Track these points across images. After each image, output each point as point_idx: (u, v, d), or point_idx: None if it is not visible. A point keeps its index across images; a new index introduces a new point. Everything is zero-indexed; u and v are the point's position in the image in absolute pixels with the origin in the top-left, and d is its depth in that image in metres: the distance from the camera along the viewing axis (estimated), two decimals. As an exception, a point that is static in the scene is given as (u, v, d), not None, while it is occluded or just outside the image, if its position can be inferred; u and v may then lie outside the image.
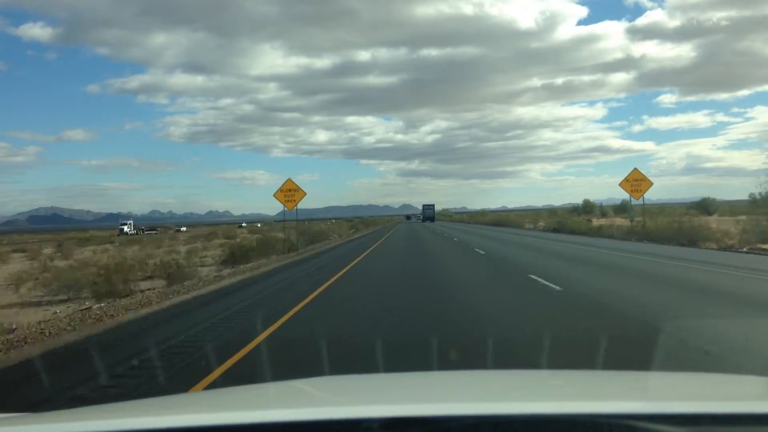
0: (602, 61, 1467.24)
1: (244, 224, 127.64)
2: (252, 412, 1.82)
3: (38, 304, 16.11)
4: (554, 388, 2.34)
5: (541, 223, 64.95)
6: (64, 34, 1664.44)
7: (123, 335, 8.73)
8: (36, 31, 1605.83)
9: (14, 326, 9.74)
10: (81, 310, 11.74)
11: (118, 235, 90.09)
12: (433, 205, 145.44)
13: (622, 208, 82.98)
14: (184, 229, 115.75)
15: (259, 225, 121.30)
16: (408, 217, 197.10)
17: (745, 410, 1.67)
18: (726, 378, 3.15)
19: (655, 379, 2.97)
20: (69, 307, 14.39)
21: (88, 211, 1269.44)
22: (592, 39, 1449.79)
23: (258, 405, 2.12)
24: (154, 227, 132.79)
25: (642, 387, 2.42)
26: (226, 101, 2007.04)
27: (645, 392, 2.29)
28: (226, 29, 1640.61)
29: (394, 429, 1.51)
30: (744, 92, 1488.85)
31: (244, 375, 5.81)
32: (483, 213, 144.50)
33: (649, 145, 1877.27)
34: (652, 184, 32.76)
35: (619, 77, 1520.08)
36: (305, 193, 29.02)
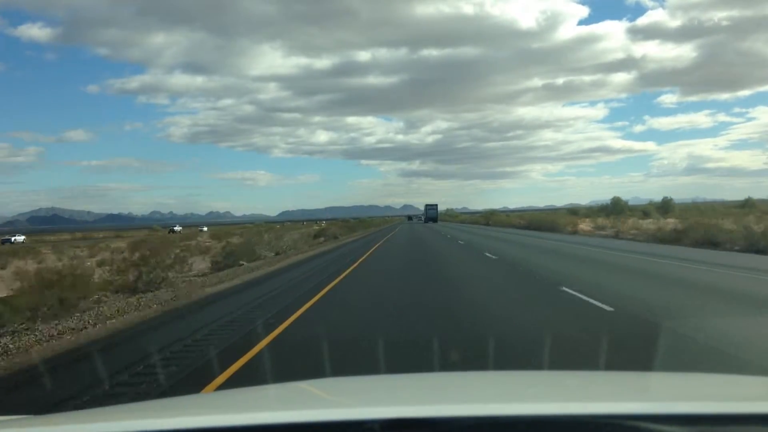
0: (603, 61, 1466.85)
1: (178, 228, 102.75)
2: (254, 413, 1.83)
3: None
4: (556, 389, 2.32)
5: (617, 224, 40.82)
6: (63, 34, 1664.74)
7: None
8: (35, 31, 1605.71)
9: None
10: None
11: None
12: (436, 205, 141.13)
13: (664, 207, 66.65)
14: (20, 238, 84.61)
15: (205, 229, 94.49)
16: (410, 218, 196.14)
17: (747, 410, 1.67)
18: (727, 378, 3.13)
19: (656, 379, 2.93)
20: None
21: (88, 212, 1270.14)
22: (592, 39, 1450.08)
23: (260, 406, 2.12)
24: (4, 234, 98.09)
25: (643, 387, 2.41)
26: (227, 102, 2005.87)
27: (646, 393, 2.27)
28: (225, 29, 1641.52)
29: (395, 430, 1.52)
30: (745, 92, 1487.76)
31: None
32: (493, 212, 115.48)
33: (650, 146, 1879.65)
34: None
35: (620, 77, 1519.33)
36: None
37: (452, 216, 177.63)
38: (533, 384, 2.54)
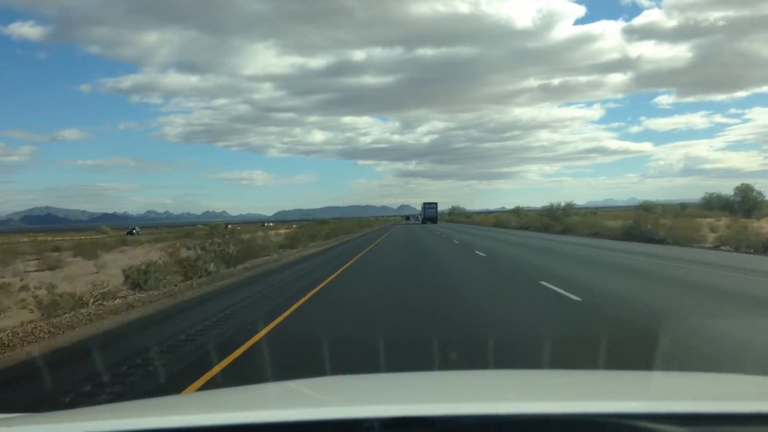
0: (599, 61, 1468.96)
1: None
2: (252, 412, 1.83)
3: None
4: (556, 388, 2.32)
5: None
6: (54, 32, 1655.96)
7: None
8: (26, 29, 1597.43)
9: None
10: None
11: None
12: (436, 204, 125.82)
13: None
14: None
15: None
16: (407, 218, 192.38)
17: (746, 410, 1.67)
18: (727, 377, 3.17)
19: (656, 378, 2.93)
20: None
21: (83, 211, 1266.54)
22: (588, 39, 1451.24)
23: (258, 405, 2.11)
24: None
25: (643, 386, 2.41)
26: (221, 101, 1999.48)
27: (646, 392, 2.26)
28: (217, 28, 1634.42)
29: (396, 429, 1.52)
30: (741, 93, 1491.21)
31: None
32: (569, 207, 66.39)
33: (646, 146, 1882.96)
34: None
35: (617, 78, 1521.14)
36: None
37: (461, 215, 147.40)
38: (533, 382, 2.54)
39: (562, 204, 60.88)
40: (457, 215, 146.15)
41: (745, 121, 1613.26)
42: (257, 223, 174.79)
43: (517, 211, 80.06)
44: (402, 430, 1.52)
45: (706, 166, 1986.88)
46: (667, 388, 2.32)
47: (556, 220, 54.37)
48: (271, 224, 78.67)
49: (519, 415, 1.59)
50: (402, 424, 1.52)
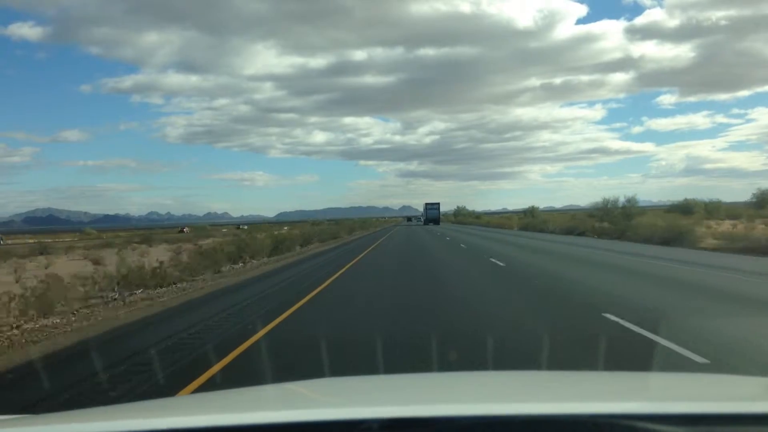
0: (601, 60, 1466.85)
1: None
2: (250, 413, 1.82)
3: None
4: (554, 389, 2.31)
5: None
6: (54, 32, 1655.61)
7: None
8: (25, 30, 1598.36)
9: None
10: None
11: None
12: (438, 204, 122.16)
13: None
14: None
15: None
16: (409, 219, 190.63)
17: (745, 410, 1.68)
18: (725, 378, 3.17)
19: (655, 379, 2.92)
20: None
21: (85, 213, 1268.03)
22: (590, 38, 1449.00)
23: (256, 407, 2.10)
24: None
25: (642, 387, 2.40)
26: (222, 101, 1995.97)
27: (645, 392, 2.25)
28: (217, 28, 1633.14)
29: (394, 430, 1.53)
30: (744, 93, 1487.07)
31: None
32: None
33: (648, 147, 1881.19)
34: None
35: (618, 77, 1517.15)
36: None
37: (472, 216, 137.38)
38: (530, 383, 2.55)
39: (621, 201, 43.88)
40: (465, 216, 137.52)
41: (748, 121, 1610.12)
42: (258, 224, 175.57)
43: (532, 212, 73.09)
44: (400, 431, 1.52)
45: (708, 167, 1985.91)
46: (666, 389, 2.28)
47: (613, 222, 40.54)
48: (246, 227, 72.63)
49: (517, 416, 1.57)
50: (400, 425, 1.53)
